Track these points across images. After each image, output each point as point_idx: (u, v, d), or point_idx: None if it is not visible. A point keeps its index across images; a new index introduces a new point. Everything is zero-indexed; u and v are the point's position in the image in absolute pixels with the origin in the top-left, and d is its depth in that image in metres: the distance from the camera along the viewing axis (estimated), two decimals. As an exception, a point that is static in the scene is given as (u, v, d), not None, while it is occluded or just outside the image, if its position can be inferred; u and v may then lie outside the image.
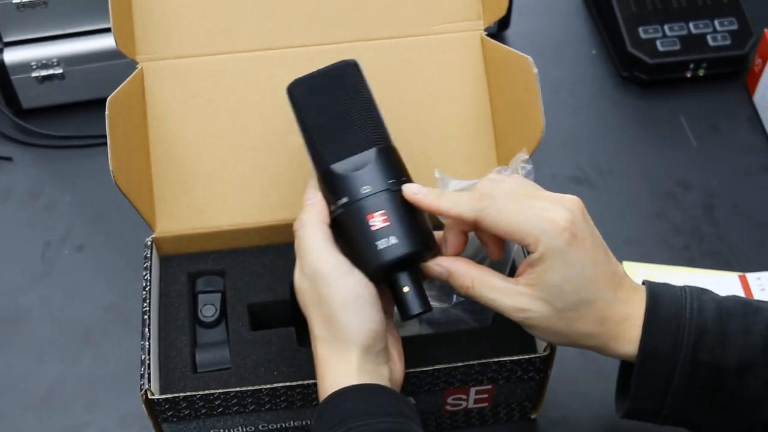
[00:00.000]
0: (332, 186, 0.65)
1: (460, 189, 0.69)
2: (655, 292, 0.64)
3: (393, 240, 0.63)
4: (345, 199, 0.64)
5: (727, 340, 0.62)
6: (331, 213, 0.66)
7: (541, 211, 0.62)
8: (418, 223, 0.65)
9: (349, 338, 0.61)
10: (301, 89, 0.68)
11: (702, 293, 0.65)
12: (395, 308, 0.67)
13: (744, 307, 0.64)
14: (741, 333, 0.62)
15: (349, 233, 0.64)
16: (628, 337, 0.63)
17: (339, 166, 0.65)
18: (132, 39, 0.78)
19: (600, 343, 0.64)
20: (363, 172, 0.64)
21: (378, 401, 0.60)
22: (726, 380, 0.62)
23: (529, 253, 0.63)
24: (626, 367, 0.68)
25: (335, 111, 0.67)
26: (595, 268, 0.63)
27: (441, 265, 0.65)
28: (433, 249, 0.66)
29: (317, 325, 0.63)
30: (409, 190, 0.64)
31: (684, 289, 0.65)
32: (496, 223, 0.62)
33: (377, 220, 0.63)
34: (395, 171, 0.66)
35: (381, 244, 0.63)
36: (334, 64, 0.68)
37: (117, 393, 0.85)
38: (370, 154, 0.65)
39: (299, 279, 0.64)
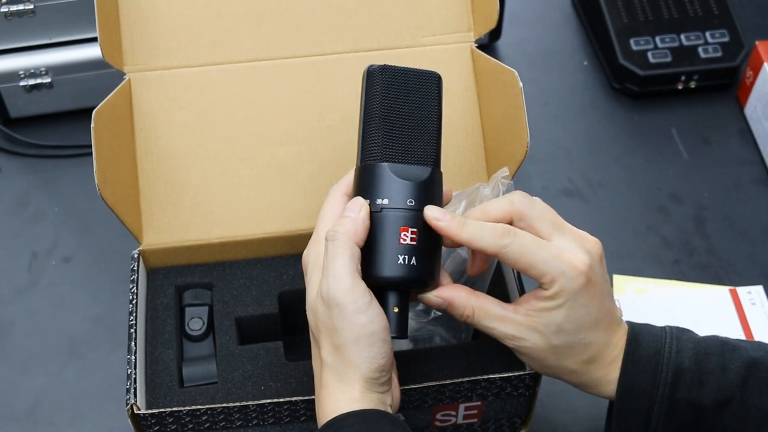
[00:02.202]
0: (378, 182, 0.64)
1: (468, 201, 0.70)
2: (636, 332, 0.65)
3: (413, 261, 0.63)
4: (386, 201, 0.63)
5: (704, 378, 0.63)
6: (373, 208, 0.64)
7: (561, 252, 0.62)
8: (436, 254, 0.65)
9: (357, 370, 0.61)
10: (388, 75, 0.65)
11: (681, 333, 0.66)
12: None
13: (722, 346, 0.65)
14: (718, 371, 0.64)
15: (373, 233, 0.63)
16: (611, 379, 0.65)
17: (394, 167, 0.64)
18: (119, 50, 0.78)
19: (581, 381, 0.66)
20: (413, 185, 0.64)
21: (379, 427, 0.60)
22: (704, 418, 0.64)
23: (540, 286, 0.63)
24: (612, 405, 0.69)
25: (411, 114, 0.65)
26: (599, 313, 0.64)
27: (442, 296, 0.64)
28: (436, 282, 0.65)
29: (326, 351, 0.62)
30: (432, 215, 0.63)
31: (664, 330, 0.66)
32: (515, 261, 0.62)
33: (408, 236, 0.63)
34: (438, 198, 0.65)
35: (401, 259, 0.63)
36: (423, 70, 0.67)
37: (103, 407, 0.84)
38: (425, 171, 0.64)
39: (315, 300, 0.62)
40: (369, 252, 0.63)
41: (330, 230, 0.62)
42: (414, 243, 0.63)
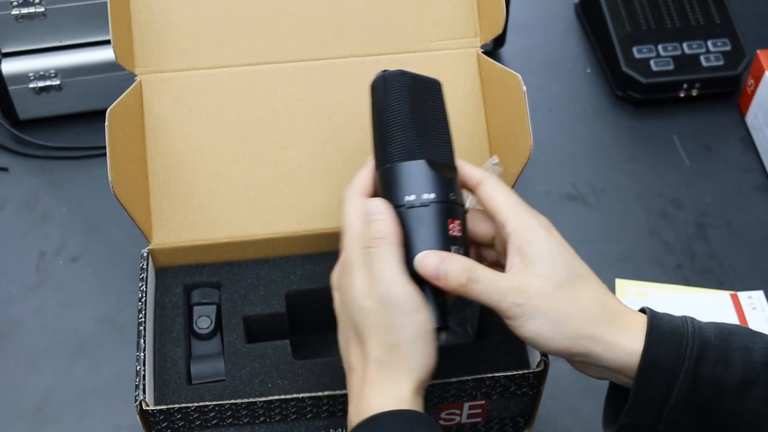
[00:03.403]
0: (421, 177, 0.64)
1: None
2: (652, 310, 0.64)
3: (461, 251, 0.64)
4: (432, 195, 0.64)
5: (730, 356, 0.61)
6: (401, 204, 0.64)
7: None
8: (469, 247, 0.66)
9: (411, 369, 0.61)
10: (406, 80, 0.66)
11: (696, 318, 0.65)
12: None
13: (742, 330, 0.64)
14: (743, 350, 0.62)
15: (421, 226, 0.63)
16: (634, 330, 0.62)
17: (431, 163, 0.64)
18: (131, 52, 0.79)
19: (605, 333, 0.62)
20: (451, 178, 0.65)
21: (422, 429, 0.59)
22: (726, 398, 0.61)
23: (505, 230, 0.64)
24: (615, 387, 0.67)
25: (431, 115, 0.67)
26: (579, 258, 0.64)
27: (438, 255, 0.63)
28: None
29: (375, 347, 0.61)
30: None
31: (682, 315, 0.65)
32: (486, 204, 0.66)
33: (455, 228, 0.64)
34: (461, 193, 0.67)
35: (453, 250, 0.63)
36: (422, 75, 0.68)
37: (110, 404, 0.85)
38: (452, 168, 0.66)
39: (362, 298, 0.61)
40: (415, 246, 0.63)
41: (367, 237, 0.62)
42: (460, 234, 0.64)
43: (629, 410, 0.63)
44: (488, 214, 0.66)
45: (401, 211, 0.64)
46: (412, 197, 0.63)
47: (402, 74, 0.67)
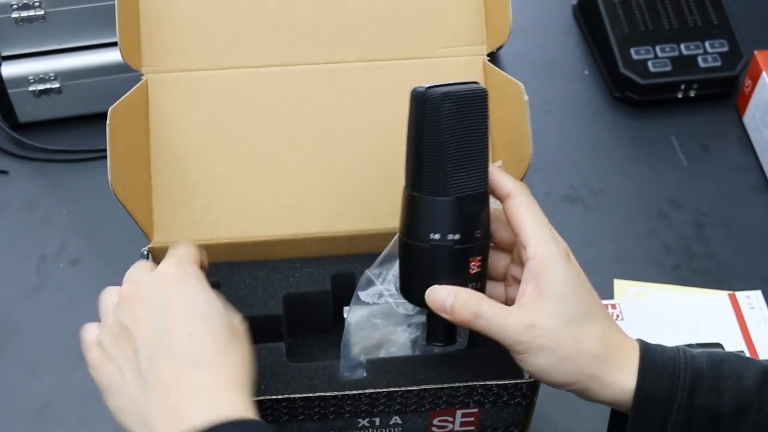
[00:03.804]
0: (448, 218, 0.64)
1: None
2: (645, 342, 0.65)
3: (479, 285, 0.66)
4: (457, 236, 0.64)
5: (722, 384, 0.62)
6: (423, 240, 0.65)
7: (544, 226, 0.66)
8: (487, 273, 0.68)
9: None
10: (449, 104, 0.63)
11: (690, 347, 0.66)
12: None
13: (734, 357, 0.65)
14: (735, 378, 0.63)
15: (441, 265, 0.65)
16: (628, 367, 0.63)
17: (461, 202, 0.64)
18: (138, 51, 0.79)
19: (603, 371, 0.63)
20: (479, 214, 0.65)
21: None
22: (720, 426, 0.62)
23: (524, 256, 0.65)
24: (616, 417, 0.67)
25: (472, 142, 0.64)
26: (590, 289, 0.65)
27: (446, 289, 0.65)
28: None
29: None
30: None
31: (674, 345, 0.66)
32: (511, 220, 0.66)
33: (475, 265, 0.65)
34: (489, 218, 0.67)
35: (471, 287, 0.65)
36: (469, 83, 0.65)
37: (110, 406, 0.85)
38: (484, 196, 0.66)
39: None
40: (438, 281, 0.65)
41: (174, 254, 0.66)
42: (479, 269, 0.66)
43: None
44: (512, 228, 0.66)
45: (425, 246, 0.65)
46: (437, 236, 0.64)
47: (444, 98, 0.63)
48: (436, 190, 0.64)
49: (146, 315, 0.61)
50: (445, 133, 0.63)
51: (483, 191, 0.66)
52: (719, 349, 0.66)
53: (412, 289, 0.67)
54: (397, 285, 0.74)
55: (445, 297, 0.64)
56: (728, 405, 0.62)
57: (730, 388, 0.62)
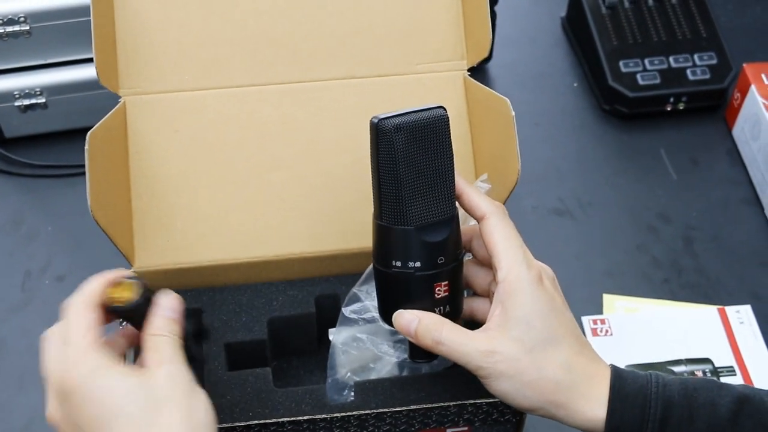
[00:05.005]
0: (408, 247, 0.64)
1: None
2: (617, 369, 0.65)
3: (447, 308, 0.67)
4: (418, 264, 0.65)
5: (695, 413, 0.62)
6: (387, 267, 0.65)
7: (515, 250, 0.65)
8: (461, 289, 0.68)
9: None
10: (402, 136, 0.62)
11: (662, 373, 0.65)
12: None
13: (708, 383, 0.64)
14: (708, 406, 0.62)
15: (405, 291, 0.66)
16: (597, 396, 0.63)
17: (421, 231, 0.64)
18: (115, 73, 0.78)
19: (568, 399, 0.63)
20: (441, 242, 0.65)
21: None
22: None
23: (495, 278, 0.65)
24: None
25: (431, 169, 0.64)
26: (562, 314, 0.64)
27: (411, 314, 0.65)
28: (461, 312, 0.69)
29: None
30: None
31: (647, 372, 0.65)
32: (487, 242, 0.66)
33: (441, 290, 0.66)
34: (460, 240, 0.67)
35: (438, 311, 0.66)
36: (429, 109, 0.64)
37: (95, 426, 0.85)
38: (448, 222, 0.65)
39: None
40: (404, 305, 0.66)
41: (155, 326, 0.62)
42: (447, 293, 0.66)
43: None
44: (486, 249, 0.66)
45: (390, 272, 0.66)
46: (398, 263, 0.65)
47: (396, 130, 0.62)
48: (396, 220, 0.64)
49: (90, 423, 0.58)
50: (401, 165, 0.63)
51: (447, 217, 0.65)
52: (693, 377, 0.66)
53: (383, 311, 0.69)
54: None
55: (409, 322, 0.65)
56: None
57: (703, 416, 0.62)
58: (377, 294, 0.69)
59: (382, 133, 0.63)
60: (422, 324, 0.64)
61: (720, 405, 0.62)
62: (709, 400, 0.62)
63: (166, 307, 0.62)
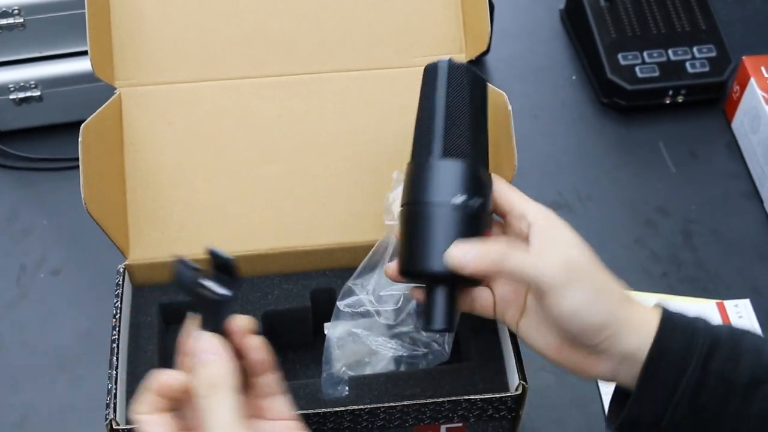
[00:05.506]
0: (478, 186, 0.65)
1: None
2: (665, 306, 0.63)
3: None
4: (481, 201, 0.65)
5: (740, 355, 0.60)
6: (446, 203, 0.64)
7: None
8: None
9: None
10: (470, 75, 0.67)
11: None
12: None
13: (755, 334, 0.63)
14: (754, 351, 0.61)
15: (464, 226, 0.64)
16: (648, 320, 0.61)
17: (482, 167, 0.66)
18: (110, 64, 0.78)
19: (627, 316, 0.61)
20: (488, 185, 0.66)
21: None
22: (733, 398, 0.60)
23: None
24: (621, 389, 0.65)
25: (479, 111, 0.68)
26: (590, 250, 0.64)
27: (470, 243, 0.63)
28: None
29: None
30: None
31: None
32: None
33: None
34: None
35: None
36: (469, 66, 0.68)
37: (91, 421, 0.84)
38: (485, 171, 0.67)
39: None
40: (423, 244, 0.63)
41: (197, 379, 0.56)
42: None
43: (633, 402, 0.61)
44: (499, 212, 0.67)
45: (457, 204, 0.64)
46: (462, 198, 0.64)
47: (466, 69, 0.67)
48: (464, 152, 0.65)
49: None
50: (466, 96, 0.66)
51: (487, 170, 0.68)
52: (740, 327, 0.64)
53: (424, 256, 0.64)
54: (378, 295, 0.73)
55: (467, 250, 0.62)
56: (744, 376, 0.60)
57: (748, 359, 0.60)
58: (412, 242, 0.65)
59: (457, 68, 0.67)
60: (483, 247, 0.62)
61: (765, 353, 0.61)
62: (754, 347, 0.61)
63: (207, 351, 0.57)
